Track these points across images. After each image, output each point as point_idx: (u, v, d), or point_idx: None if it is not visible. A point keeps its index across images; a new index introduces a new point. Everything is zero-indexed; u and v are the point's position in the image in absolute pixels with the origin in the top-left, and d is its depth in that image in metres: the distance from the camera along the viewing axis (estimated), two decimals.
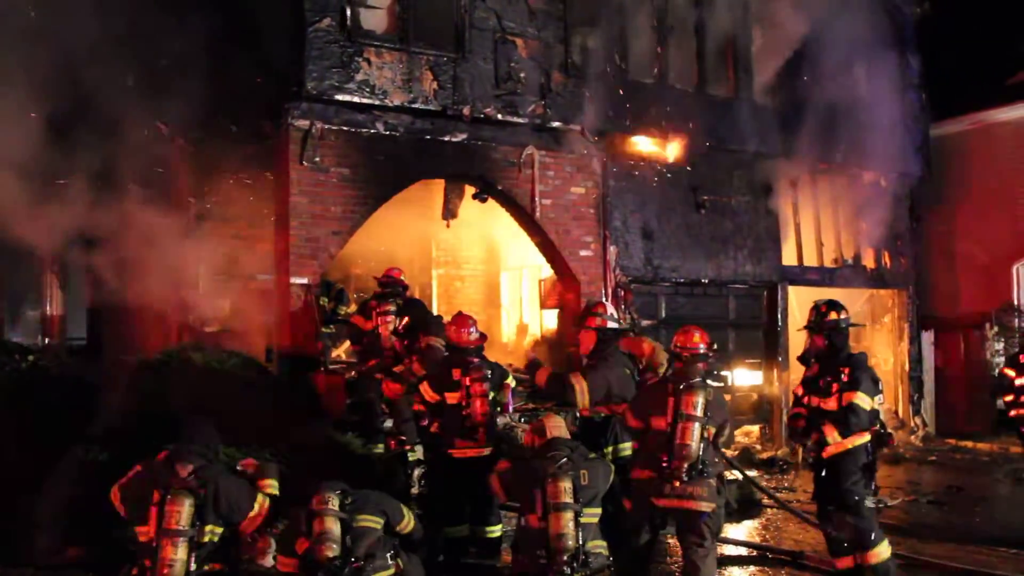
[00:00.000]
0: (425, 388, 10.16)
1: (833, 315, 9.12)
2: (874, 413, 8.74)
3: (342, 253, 14.40)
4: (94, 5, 12.62)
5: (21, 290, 17.45)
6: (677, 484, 8.06)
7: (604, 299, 15.07)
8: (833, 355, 9.01)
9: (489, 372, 10.02)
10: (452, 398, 9.94)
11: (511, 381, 10.37)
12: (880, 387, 8.88)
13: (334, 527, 7.39)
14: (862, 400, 8.64)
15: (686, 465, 8.02)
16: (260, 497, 7.78)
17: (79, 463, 10.02)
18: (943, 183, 20.11)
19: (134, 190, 13.73)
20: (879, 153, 18.20)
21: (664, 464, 8.07)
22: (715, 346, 8.95)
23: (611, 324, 10.31)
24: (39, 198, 14.02)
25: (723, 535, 10.63)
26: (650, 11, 16.11)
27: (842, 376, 8.78)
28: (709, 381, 8.51)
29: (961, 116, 20.63)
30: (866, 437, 8.77)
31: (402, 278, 12.99)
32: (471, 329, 10.15)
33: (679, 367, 8.53)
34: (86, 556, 9.35)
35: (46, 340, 17.12)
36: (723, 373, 17.16)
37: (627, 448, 9.71)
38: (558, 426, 8.63)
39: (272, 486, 7.95)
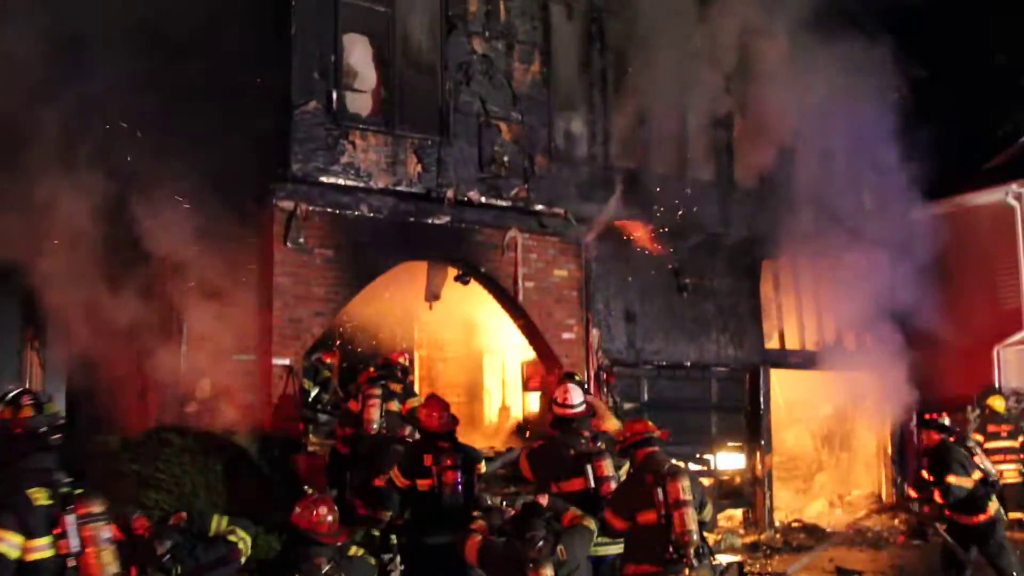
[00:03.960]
0: (395, 474, 9.91)
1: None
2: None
3: (324, 334, 14.36)
4: (80, 79, 12.73)
5: (0, 368, 17.33)
6: (687, 572, 7.97)
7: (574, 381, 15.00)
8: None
9: (461, 457, 9.71)
10: (423, 484, 9.67)
11: (483, 466, 10.23)
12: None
13: None
14: None
15: (692, 551, 7.95)
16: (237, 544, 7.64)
17: None
18: (924, 265, 20.22)
19: (115, 268, 13.72)
20: (860, 236, 18.33)
21: (668, 556, 7.97)
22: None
23: (574, 409, 9.81)
24: (18, 271, 14.00)
25: None
26: (632, 96, 16.28)
27: None
28: (691, 464, 8.47)
29: (941, 199, 20.81)
30: None
31: (402, 361, 12.88)
32: (441, 413, 9.88)
33: (647, 453, 8.43)
34: None
35: None
36: (705, 457, 17.12)
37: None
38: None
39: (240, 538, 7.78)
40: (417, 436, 10.80)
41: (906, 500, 12.42)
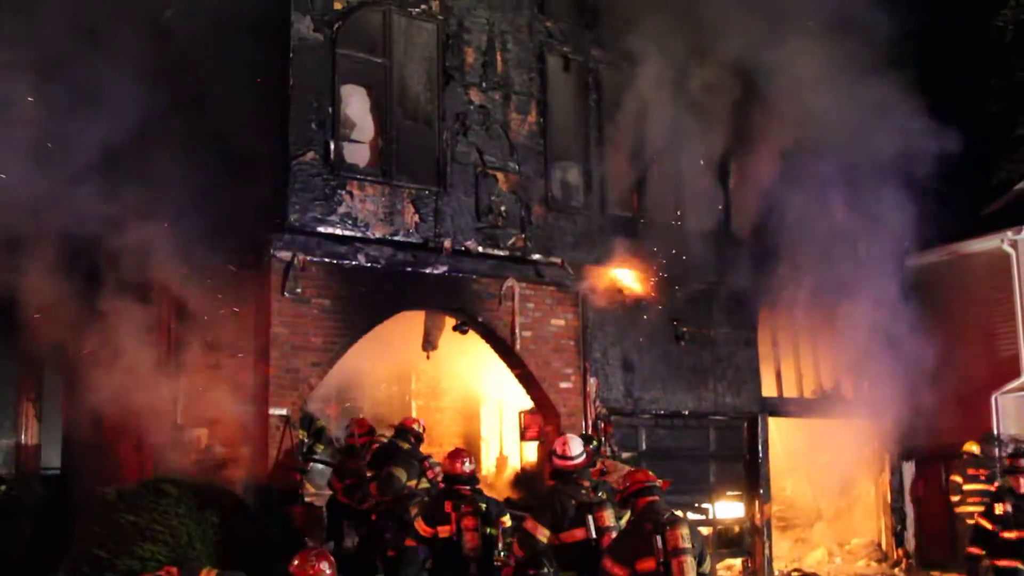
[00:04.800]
0: (420, 524, 10.20)
1: None
2: None
3: (321, 384, 14.34)
4: (78, 132, 12.81)
5: None
6: None
7: (580, 431, 15.01)
8: None
9: (484, 506, 9.96)
10: (444, 531, 9.92)
11: (507, 520, 10.28)
12: None
13: None
14: None
15: None
16: None
17: None
18: (921, 313, 20.23)
19: (113, 317, 13.74)
20: (857, 284, 18.34)
21: None
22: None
23: (573, 461, 9.98)
24: (15, 323, 14.02)
25: None
26: (629, 147, 16.37)
27: None
28: (690, 513, 8.48)
29: (936, 247, 20.86)
30: None
31: (415, 427, 12.76)
32: (465, 460, 10.30)
33: (647, 502, 8.42)
34: None
35: (20, 470, 16.91)
36: (704, 506, 17.05)
37: None
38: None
39: None
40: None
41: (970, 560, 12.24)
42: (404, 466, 11.66)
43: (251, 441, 13.26)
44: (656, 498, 8.39)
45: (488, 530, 9.88)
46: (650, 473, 8.70)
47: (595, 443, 13.67)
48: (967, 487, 16.90)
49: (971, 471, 17.47)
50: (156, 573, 7.93)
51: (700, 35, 15.99)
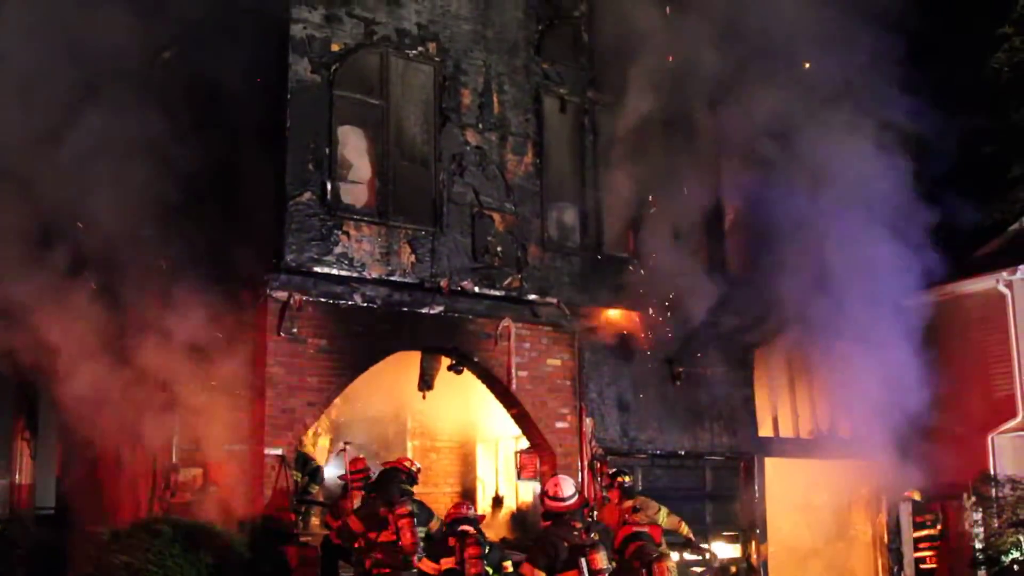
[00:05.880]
0: (425, 563, 10.54)
1: None
2: None
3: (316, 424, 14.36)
4: (76, 170, 12.89)
5: None
6: None
7: (576, 471, 15.02)
8: None
9: (487, 548, 10.29)
10: (447, 563, 10.29)
11: (509, 566, 10.40)
12: None
13: None
14: None
15: None
16: None
17: None
18: (917, 353, 20.25)
19: (106, 358, 13.75)
20: (853, 325, 18.36)
21: None
22: None
23: (565, 502, 10.00)
24: (9, 360, 14.02)
25: None
26: (625, 188, 16.42)
27: None
28: (687, 555, 8.60)
29: (932, 287, 20.89)
30: None
31: (406, 464, 12.81)
32: (468, 506, 10.98)
33: (638, 545, 8.48)
34: None
35: (14, 509, 16.86)
36: (702, 546, 16.98)
37: None
38: None
39: None
40: None
41: None
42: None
43: (246, 481, 13.23)
44: (644, 542, 8.48)
45: (490, 572, 10.04)
46: (640, 521, 8.79)
47: (627, 479, 13.66)
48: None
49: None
50: None
51: (693, 77, 16.10)
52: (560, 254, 15.86)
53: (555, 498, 9.53)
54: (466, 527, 10.37)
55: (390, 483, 11.79)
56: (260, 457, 13.09)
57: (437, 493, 17.40)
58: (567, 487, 9.59)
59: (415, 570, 10.73)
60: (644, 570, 8.21)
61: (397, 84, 14.72)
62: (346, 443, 13.80)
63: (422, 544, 11.29)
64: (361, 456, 13.82)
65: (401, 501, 10.87)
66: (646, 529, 8.66)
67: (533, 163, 15.83)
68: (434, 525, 11.50)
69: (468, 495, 17.92)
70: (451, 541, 10.27)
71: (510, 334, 15.15)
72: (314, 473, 14.74)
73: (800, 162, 16.63)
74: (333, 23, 14.07)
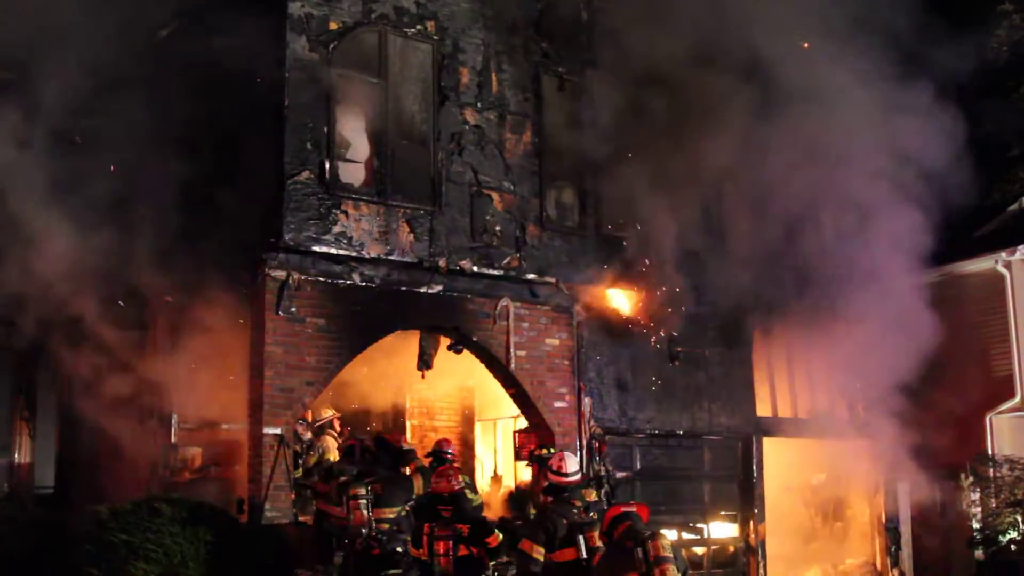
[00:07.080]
0: (411, 548, 10.50)
1: None
2: None
3: (315, 403, 14.36)
4: (74, 154, 12.87)
5: None
6: None
7: (575, 450, 15.02)
8: None
9: (463, 528, 10.19)
10: (417, 554, 10.40)
11: (497, 538, 10.39)
12: None
13: None
14: None
15: None
16: None
17: None
18: (915, 333, 20.23)
19: (108, 336, 13.75)
20: (852, 305, 18.36)
21: None
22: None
23: (569, 478, 10.04)
24: (9, 342, 14.03)
25: None
26: (624, 166, 16.37)
27: None
28: (684, 534, 8.54)
29: (931, 268, 20.87)
30: None
31: (449, 451, 13.42)
32: (448, 480, 10.56)
33: (626, 526, 8.46)
34: None
35: (14, 488, 16.90)
36: (698, 526, 17.04)
37: None
38: None
39: None
40: None
41: None
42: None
43: (245, 460, 13.26)
44: (631, 522, 8.46)
45: (472, 551, 10.01)
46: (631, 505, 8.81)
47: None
48: None
49: None
50: None
51: (695, 54, 16.02)
52: (559, 233, 15.84)
53: (559, 472, 9.64)
54: (443, 508, 10.39)
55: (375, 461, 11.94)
56: (259, 436, 13.09)
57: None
58: (571, 463, 9.72)
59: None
60: (638, 548, 8.15)
61: (395, 62, 14.67)
62: (338, 416, 13.82)
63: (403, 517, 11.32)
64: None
65: (356, 484, 10.89)
66: (634, 509, 8.63)
67: (532, 142, 15.79)
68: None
69: (467, 475, 17.94)
70: (425, 528, 10.37)
71: (509, 313, 15.14)
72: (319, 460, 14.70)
73: (802, 137, 16.56)
74: (331, 1, 14.00)
